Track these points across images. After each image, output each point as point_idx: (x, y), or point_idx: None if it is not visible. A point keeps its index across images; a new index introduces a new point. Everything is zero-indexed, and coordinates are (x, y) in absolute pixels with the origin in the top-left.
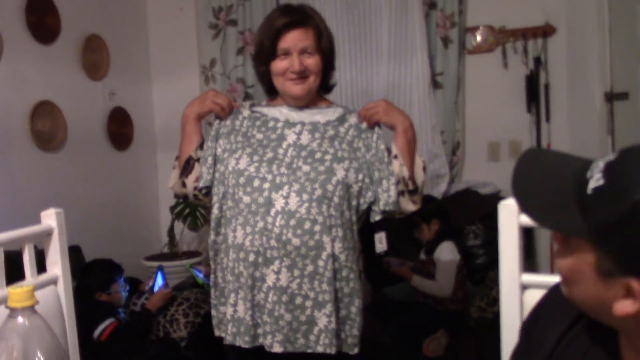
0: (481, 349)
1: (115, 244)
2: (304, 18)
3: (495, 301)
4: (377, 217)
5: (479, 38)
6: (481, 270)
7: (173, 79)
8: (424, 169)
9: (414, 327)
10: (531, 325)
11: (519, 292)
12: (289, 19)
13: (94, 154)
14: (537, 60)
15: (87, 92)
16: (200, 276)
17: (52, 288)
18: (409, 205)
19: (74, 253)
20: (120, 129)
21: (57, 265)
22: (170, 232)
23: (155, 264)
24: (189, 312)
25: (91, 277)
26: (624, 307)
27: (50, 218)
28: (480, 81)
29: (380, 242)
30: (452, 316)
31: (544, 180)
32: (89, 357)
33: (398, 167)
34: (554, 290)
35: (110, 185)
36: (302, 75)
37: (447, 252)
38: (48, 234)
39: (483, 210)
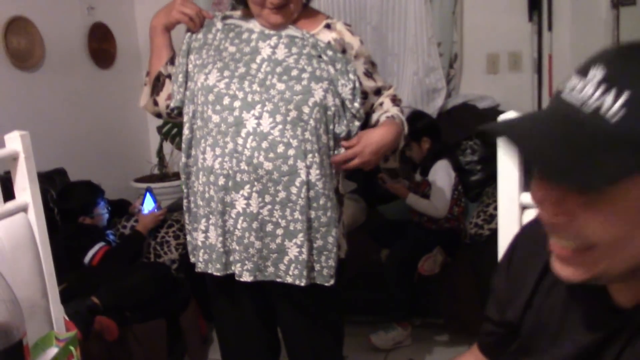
0: (477, 266)
1: (102, 165)
2: None
3: (492, 218)
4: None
5: None
6: (478, 186)
7: None
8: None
9: (409, 246)
10: (507, 266)
11: (518, 212)
12: None
13: (75, 73)
14: None
15: (63, 6)
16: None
17: (22, 216)
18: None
19: (60, 176)
20: (101, 45)
21: (25, 191)
22: (160, 152)
23: (145, 185)
24: (180, 234)
25: (72, 201)
26: None
27: (14, 141)
28: None
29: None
30: (447, 234)
31: (562, 142)
32: (81, 282)
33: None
34: (526, 231)
35: (95, 105)
36: (282, 4)
37: (441, 173)
38: (13, 158)
39: (481, 125)
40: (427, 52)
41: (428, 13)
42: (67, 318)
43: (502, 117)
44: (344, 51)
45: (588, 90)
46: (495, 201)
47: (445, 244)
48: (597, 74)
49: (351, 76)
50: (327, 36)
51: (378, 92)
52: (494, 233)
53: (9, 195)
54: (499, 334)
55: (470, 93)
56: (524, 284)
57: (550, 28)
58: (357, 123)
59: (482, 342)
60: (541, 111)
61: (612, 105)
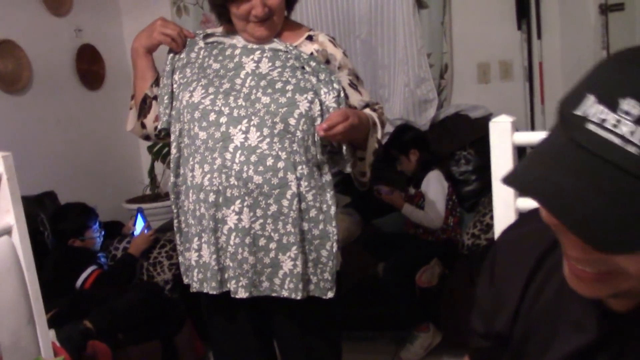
0: (475, 277)
1: (93, 187)
2: None
3: (488, 227)
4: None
5: None
6: (473, 196)
7: (143, 10)
8: (383, 124)
9: (407, 259)
10: (489, 276)
11: (514, 218)
12: None
13: (64, 95)
14: None
15: (50, 29)
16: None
17: (5, 239)
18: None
19: (49, 199)
20: (90, 67)
21: (9, 214)
22: (151, 172)
23: (136, 206)
24: (173, 254)
25: (64, 223)
26: None
27: None
28: None
29: None
30: (444, 245)
31: (611, 204)
32: (73, 306)
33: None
34: (506, 236)
35: (84, 126)
36: (266, 17)
37: (433, 183)
38: None
39: (474, 134)
40: (417, 64)
41: (417, 24)
42: (57, 343)
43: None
44: (327, 62)
45: (625, 128)
46: (491, 211)
47: (442, 256)
48: (631, 109)
49: (335, 85)
50: (309, 48)
51: (365, 107)
52: (491, 243)
53: None
54: (488, 348)
55: (462, 103)
56: (510, 293)
57: (539, 36)
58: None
59: (472, 357)
60: (562, 147)
61: None
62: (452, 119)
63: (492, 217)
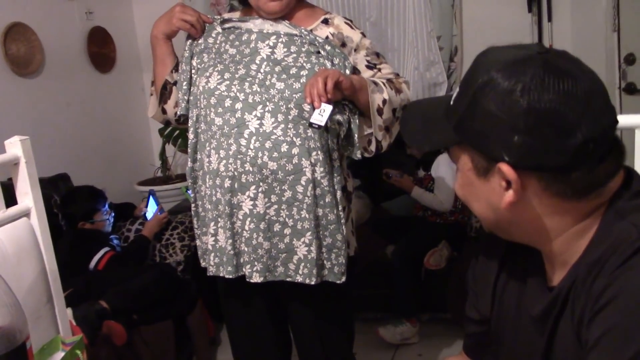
0: None
1: (106, 170)
2: None
3: None
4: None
5: None
6: None
7: None
8: (398, 90)
9: (415, 241)
10: (475, 261)
11: None
12: None
13: (76, 78)
14: None
15: (61, 11)
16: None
17: (24, 221)
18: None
19: (63, 181)
20: (101, 50)
21: (27, 196)
22: (162, 155)
23: (148, 188)
24: (185, 236)
25: (73, 206)
26: (507, 197)
27: (15, 146)
28: None
29: (321, 113)
30: (453, 228)
31: (423, 117)
32: (87, 287)
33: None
34: (482, 235)
35: (96, 109)
36: None
37: (442, 167)
38: (14, 163)
39: None
40: (427, 46)
41: (427, 7)
42: (73, 322)
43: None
44: (343, 45)
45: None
46: None
47: (451, 238)
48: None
49: (347, 71)
50: (324, 31)
51: (388, 82)
52: None
53: (12, 202)
54: (479, 334)
55: None
56: (488, 277)
57: (550, 19)
58: (356, 117)
59: (466, 344)
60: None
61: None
62: None
63: None
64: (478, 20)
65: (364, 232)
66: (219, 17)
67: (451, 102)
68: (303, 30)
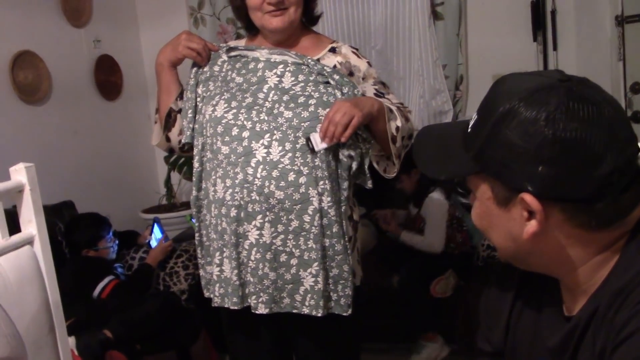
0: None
1: (111, 197)
2: None
3: None
4: (359, 181)
5: None
6: None
7: (161, 22)
8: (407, 119)
9: (422, 270)
10: (487, 293)
11: None
12: None
13: (82, 105)
14: None
15: (70, 40)
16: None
17: (27, 248)
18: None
19: (68, 209)
20: (108, 77)
21: (31, 224)
22: (167, 182)
23: (153, 216)
24: (189, 264)
25: (77, 233)
26: (529, 228)
27: (20, 173)
28: (482, 10)
29: (315, 141)
30: (459, 256)
31: (437, 145)
32: (91, 316)
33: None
34: (493, 265)
35: (102, 137)
36: (281, 6)
37: (432, 208)
38: (19, 190)
39: None
40: (432, 75)
41: (432, 36)
42: (75, 352)
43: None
44: (350, 74)
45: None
46: None
47: (457, 267)
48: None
49: None
50: (332, 60)
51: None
52: None
53: (16, 229)
54: None
55: None
56: (502, 308)
57: (555, 47)
58: (367, 145)
59: None
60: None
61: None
62: None
63: None
64: (483, 49)
65: (369, 260)
66: (224, 44)
67: (469, 130)
68: (310, 61)
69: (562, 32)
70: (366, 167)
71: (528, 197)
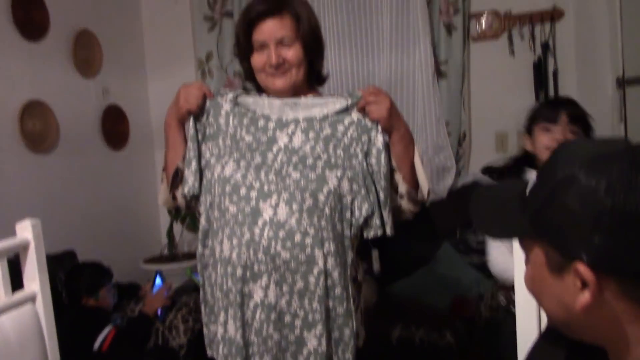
0: (493, 346)
1: (113, 247)
2: (278, 5)
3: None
4: (371, 235)
5: (483, 24)
6: None
7: (169, 73)
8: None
9: (419, 327)
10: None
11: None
12: (261, 8)
13: (89, 154)
14: (545, 46)
15: (79, 90)
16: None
17: (29, 306)
18: (410, 207)
19: (69, 258)
20: (115, 127)
21: (34, 281)
22: (170, 233)
23: (154, 267)
24: (189, 318)
25: (78, 281)
26: (582, 299)
27: (25, 230)
28: (486, 69)
29: (376, 260)
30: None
31: (493, 203)
32: None
33: (399, 181)
34: (539, 342)
35: (107, 186)
36: (282, 69)
37: None
38: (24, 247)
39: None
40: (435, 131)
41: (436, 93)
42: None
43: None
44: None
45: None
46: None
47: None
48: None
49: (380, 145)
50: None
51: None
52: (509, 315)
53: (18, 279)
54: None
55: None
56: None
57: None
58: (382, 193)
59: None
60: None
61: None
62: (470, 187)
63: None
64: (486, 106)
65: (369, 316)
66: (224, 92)
67: (527, 193)
68: (327, 109)
69: (564, 93)
70: (375, 218)
71: (582, 267)
